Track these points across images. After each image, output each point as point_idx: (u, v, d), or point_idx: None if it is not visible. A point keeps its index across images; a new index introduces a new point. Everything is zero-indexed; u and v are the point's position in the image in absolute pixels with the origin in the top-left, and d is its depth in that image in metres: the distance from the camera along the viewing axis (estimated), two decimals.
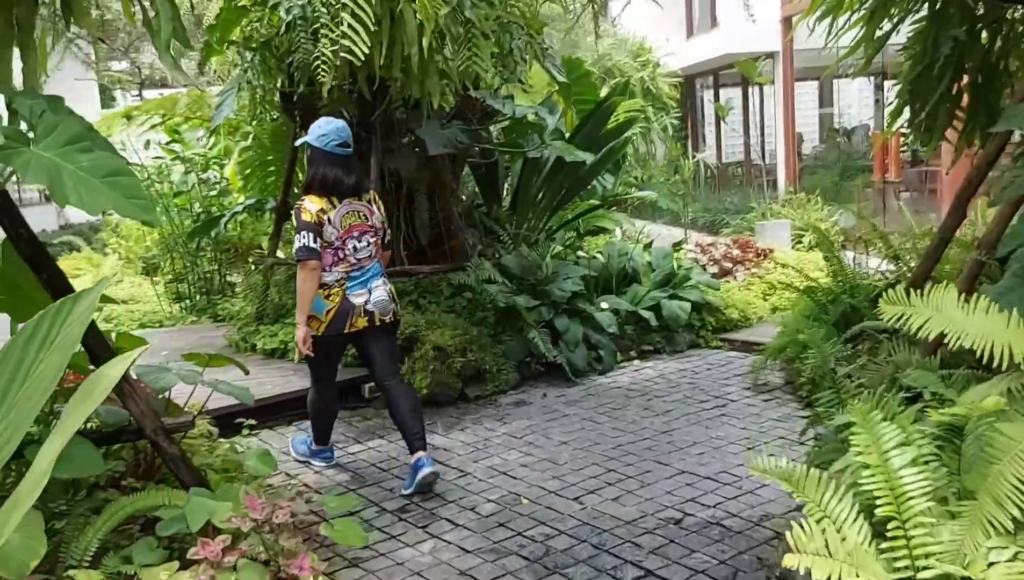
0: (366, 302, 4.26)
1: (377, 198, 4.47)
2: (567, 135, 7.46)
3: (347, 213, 4.22)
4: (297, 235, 4.15)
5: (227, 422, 5.27)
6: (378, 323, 4.32)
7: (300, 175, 7.69)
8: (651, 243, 7.67)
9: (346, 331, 4.27)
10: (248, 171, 7.29)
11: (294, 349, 4.60)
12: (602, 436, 4.96)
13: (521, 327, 6.18)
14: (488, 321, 6.28)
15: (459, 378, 5.76)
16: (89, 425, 3.27)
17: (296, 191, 8.01)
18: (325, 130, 4.22)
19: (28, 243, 2.81)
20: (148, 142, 8.74)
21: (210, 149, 8.73)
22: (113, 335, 3.88)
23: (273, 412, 5.59)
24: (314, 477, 4.63)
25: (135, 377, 3.40)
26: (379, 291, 4.29)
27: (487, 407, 5.66)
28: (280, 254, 7.72)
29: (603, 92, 8.84)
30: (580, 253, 7.32)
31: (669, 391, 5.80)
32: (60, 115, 2.85)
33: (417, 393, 4.97)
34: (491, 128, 7.35)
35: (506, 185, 7.90)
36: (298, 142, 5.11)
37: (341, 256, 4.22)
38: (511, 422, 5.31)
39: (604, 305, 6.57)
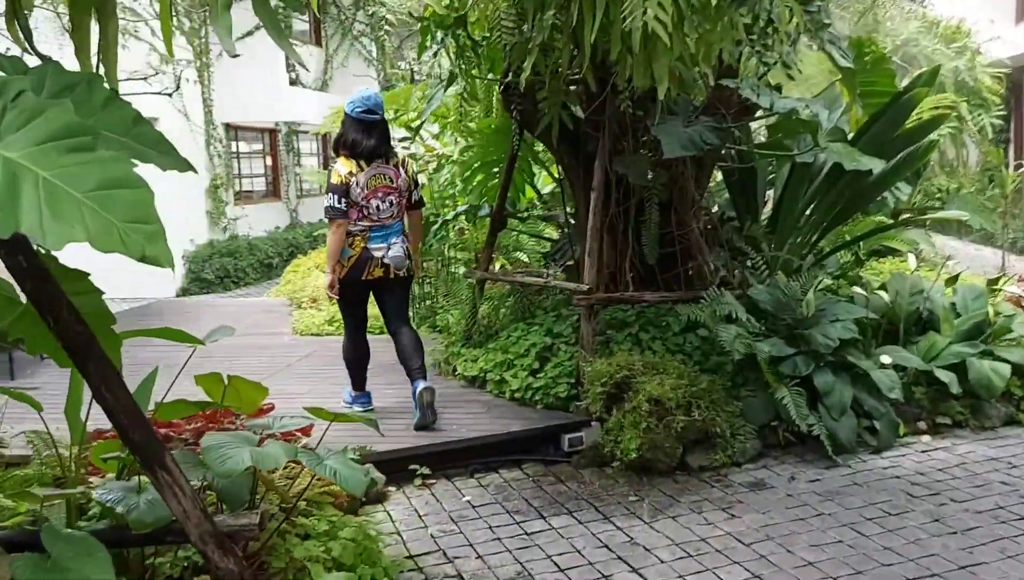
0: (383, 256, 4.78)
1: (406, 161, 4.93)
2: (850, 135, 5.93)
3: (374, 175, 4.74)
4: (327, 195, 4.73)
5: (398, 467, 4.51)
6: (392, 276, 4.84)
7: (529, 180, 6.82)
8: (956, 277, 5.91)
9: (363, 278, 4.79)
10: (468, 173, 6.51)
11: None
12: (867, 559, 3.53)
13: (769, 381, 4.83)
14: (725, 369, 4.99)
15: (679, 441, 4.55)
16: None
17: (525, 197, 7.18)
18: (354, 97, 4.78)
19: (34, 276, 2.05)
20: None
21: (465, 150, 8.08)
22: (225, 378, 3.17)
23: (455, 459, 4.71)
24: (474, 564, 3.65)
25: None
26: (396, 248, 4.82)
27: (712, 485, 4.39)
28: (497, 266, 6.92)
29: (903, 83, 7.10)
30: (856, 288, 5.75)
31: (973, 492, 4.19)
32: (92, 97, 2.09)
33: (419, 336, 5.10)
34: (750, 126, 6.01)
35: (767, 196, 6.50)
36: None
37: (365, 213, 4.74)
38: (741, 514, 4.02)
39: (885, 360, 5.01)
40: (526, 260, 8.02)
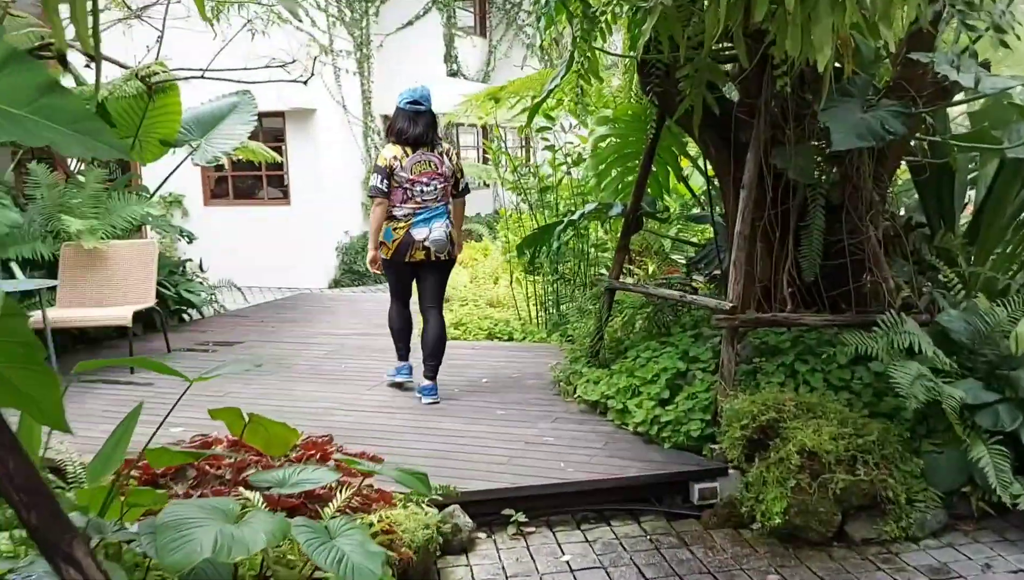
0: (425, 239, 5.01)
1: (450, 151, 5.18)
2: None
3: (418, 161, 5.00)
4: (372, 176, 5.06)
5: (491, 510, 3.86)
6: (433, 258, 5.07)
7: (678, 175, 5.98)
8: None
9: (406, 260, 5.07)
10: (602, 166, 5.74)
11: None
12: None
13: (960, 434, 3.80)
14: (903, 415, 3.99)
15: (838, 506, 3.63)
16: None
17: (678, 193, 6.35)
18: (404, 90, 5.09)
19: None
20: (521, 128, 7.66)
21: (600, 140, 7.34)
22: (245, 415, 2.62)
23: (559, 503, 4.00)
24: None
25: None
26: (438, 231, 5.03)
27: (878, 567, 3.44)
28: (650, 269, 6.12)
29: None
30: None
31: None
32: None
33: (444, 328, 5.30)
34: (947, 112, 4.91)
35: (966, 198, 5.35)
36: None
37: (409, 196, 5.01)
38: None
39: None
40: (684, 262, 7.17)
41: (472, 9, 18.42)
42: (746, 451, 3.88)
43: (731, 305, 4.24)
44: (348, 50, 13.27)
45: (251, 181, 13.13)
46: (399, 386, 5.56)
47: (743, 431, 3.85)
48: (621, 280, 5.41)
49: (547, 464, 4.13)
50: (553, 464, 4.12)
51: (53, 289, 6.64)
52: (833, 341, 4.37)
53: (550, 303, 7.43)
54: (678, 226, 7.53)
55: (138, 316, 7.12)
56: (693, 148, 5.99)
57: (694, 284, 6.29)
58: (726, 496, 3.92)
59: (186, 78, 7.56)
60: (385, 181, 4.98)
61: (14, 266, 6.56)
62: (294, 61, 7.90)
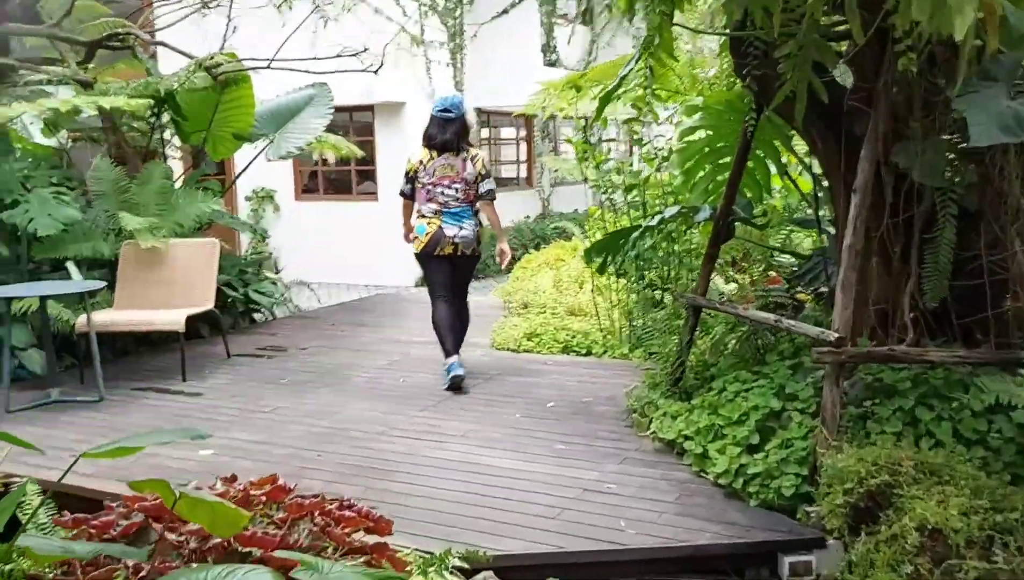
0: (455, 236, 5.46)
1: (476, 157, 5.51)
2: None
3: (442, 165, 5.44)
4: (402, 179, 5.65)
5: (531, 578, 3.24)
6: (460, 253, 5.52)
7: (784, 173, 5.20)
8: None
9: (436, 253, 5.49)
10: (690, 163, 5.00)
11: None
12: None
13: None
14: None
15: None
16: None
17: (764, 196, 5.54)
18: (438, 98, 5.65)
19: None
20: (605, 120, 6.96)
21: (687, 133, 6.57)
22: (175, 491, 2.06)
23: (615, 572, 3.32)
24: None
25: None
26: (467, 230, 5.51)
27: None
28: (721, 288, 5.37)
29: None
30: None
31: None
32: None
33: (468, 313, 5.88)
34: None
35: None
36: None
37: (431, 196, 5.48)
38: None
39: None
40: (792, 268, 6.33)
41: None
42: (850, 521, 3.12)
43: (836, 336, 3.46)
44: (440, 41, 12.82)
45: (343, 176, 12.85)
46: (457, 387, 5.47)
47: (847, 497, 3.10)
48: (716, 291, 4.69)
49: (604, 521, 3.46)
50: (611, 522, 3.45)
51: (111, 289, 6.39)
52: (966, 382, 3.54)
53: (636, 313, 6.72)
54: (786, 231, 6.68)
55: (202, 318, 6.83)
56: (801, 144, 5.19)
57: (799, 296, 5.49)
58: (824, 574, 3.17)
59: (253, 68, 7.20)
60: (409, 185, 5.58)
61: (70, 265, 6.32)
62: (366, 50, 7.43)
